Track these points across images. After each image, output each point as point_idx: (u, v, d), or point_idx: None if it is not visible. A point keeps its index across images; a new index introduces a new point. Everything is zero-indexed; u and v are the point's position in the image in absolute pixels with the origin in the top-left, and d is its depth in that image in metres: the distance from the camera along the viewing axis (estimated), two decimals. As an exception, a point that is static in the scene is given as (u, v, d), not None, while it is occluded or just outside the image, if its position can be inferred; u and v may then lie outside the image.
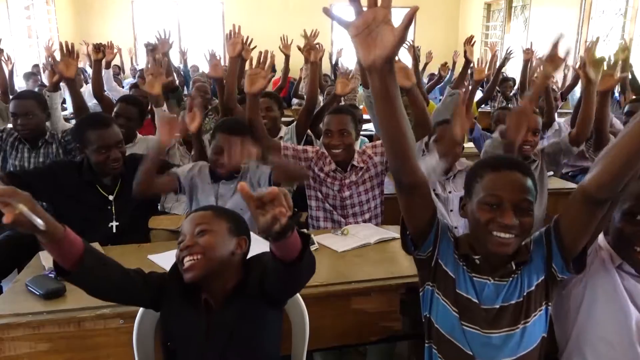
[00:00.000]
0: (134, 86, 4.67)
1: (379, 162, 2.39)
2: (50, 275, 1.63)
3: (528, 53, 4.99)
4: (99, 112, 2.41)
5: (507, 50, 5.73)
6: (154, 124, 3.83)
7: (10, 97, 2.93)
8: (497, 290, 1.26)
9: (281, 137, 3.10)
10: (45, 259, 1.78)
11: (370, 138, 4.36)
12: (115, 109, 2.93)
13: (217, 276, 1.28)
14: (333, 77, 8.31)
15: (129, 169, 2.15)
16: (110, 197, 2.12)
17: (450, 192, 2.43)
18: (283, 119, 5.64)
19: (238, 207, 2.21)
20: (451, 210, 2.44)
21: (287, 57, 4.57)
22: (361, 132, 4.73)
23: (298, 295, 1.44)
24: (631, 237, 1.23)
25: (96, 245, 1.95)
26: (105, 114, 2.26)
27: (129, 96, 3.47)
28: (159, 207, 2.83)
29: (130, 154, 2.29)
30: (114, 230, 2.11)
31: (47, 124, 2.75)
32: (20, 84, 6.36)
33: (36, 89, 5.72)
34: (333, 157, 2.33)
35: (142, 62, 10.61)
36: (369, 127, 5.17)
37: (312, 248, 1.92)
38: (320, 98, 5.85)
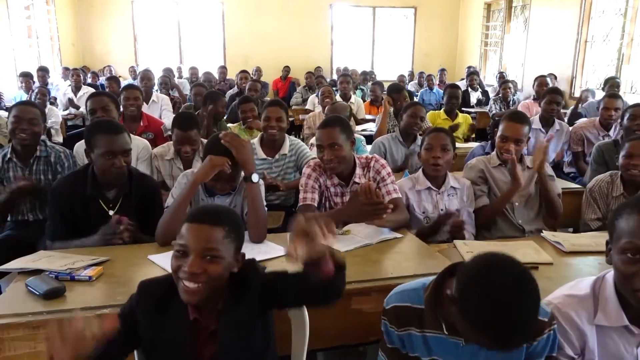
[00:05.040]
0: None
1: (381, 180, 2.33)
2: (50, 275, 1.63)
3: None
4: (110, 119, 2.42)
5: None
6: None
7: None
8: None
9: (285, 155, 3.03)
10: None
11: (370, 138, 4.35)
12: (89, 106, 2.94)
13: (211, 295, 1.23)
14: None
15: (134, 186, 2.15)
16: (111, 213, 2.10)
17: (442, 210, 2.39)
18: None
19: None
20: None
21: None
22: (361, 132, 4.76)
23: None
24: (631, 278, 1.17)
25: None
26: (117, 121, 2.27)
27: (97, 91, 3.48)
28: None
29: (140, 174, 2.28)
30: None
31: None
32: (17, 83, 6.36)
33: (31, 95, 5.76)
34: (329, 170, 2.29)
35: (142, 63, 10.62)
36: (368, 126, 5.18)
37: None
38: (316, 100, 5.85)
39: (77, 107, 6.28)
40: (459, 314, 1.08)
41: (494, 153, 2.65)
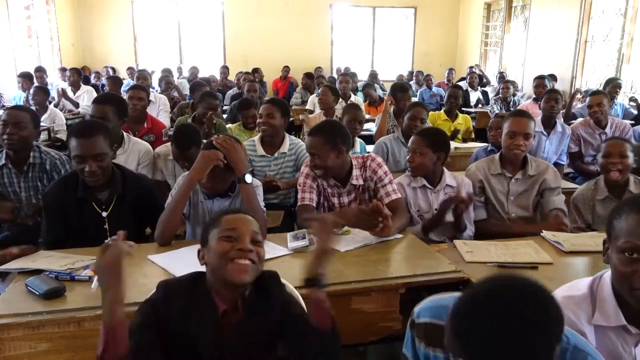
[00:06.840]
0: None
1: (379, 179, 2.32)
2: (50, 275, 1.63)
3: None
4: (90, 121, 2.39)
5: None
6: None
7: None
8: None
9: (284, 153, 3.02)
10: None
11: (370, 138, 4.35)
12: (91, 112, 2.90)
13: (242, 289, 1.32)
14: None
15: (128, 187, 2.12)
16: (104, 214, 2.09)
17: (436, 210, 2.38)
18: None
19: None
20: None
21: None
22: (360, 132, 4.75)
23: (298, 295, 1.44)
24: (629, 277, 1.16)
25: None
26: (97, 123, 2.23)
27: (102, 95, 3.40)
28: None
29: (134, 175, 2.26)
30: None
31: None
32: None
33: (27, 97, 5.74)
34: (318, 175, 2.30)
35: (142, 63, 10.62)
36: (368, 126, 5.17)
37: (312, 248, 1.92)
38: (317, 100, 5.85)
39: (77, 105, 6.27)
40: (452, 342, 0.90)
41: (496, 157, 2.57)
